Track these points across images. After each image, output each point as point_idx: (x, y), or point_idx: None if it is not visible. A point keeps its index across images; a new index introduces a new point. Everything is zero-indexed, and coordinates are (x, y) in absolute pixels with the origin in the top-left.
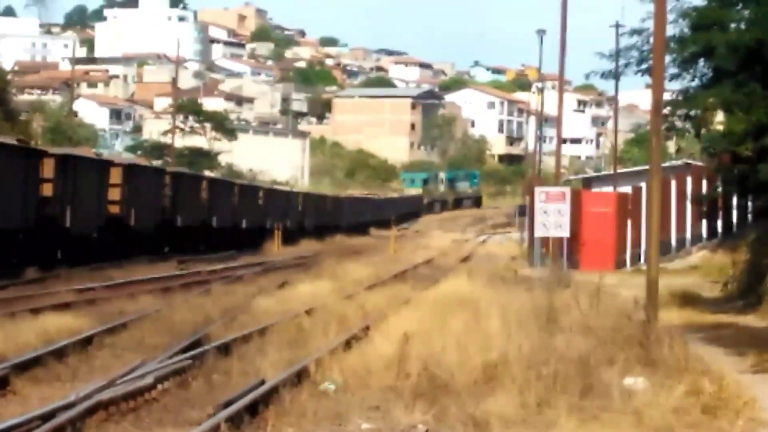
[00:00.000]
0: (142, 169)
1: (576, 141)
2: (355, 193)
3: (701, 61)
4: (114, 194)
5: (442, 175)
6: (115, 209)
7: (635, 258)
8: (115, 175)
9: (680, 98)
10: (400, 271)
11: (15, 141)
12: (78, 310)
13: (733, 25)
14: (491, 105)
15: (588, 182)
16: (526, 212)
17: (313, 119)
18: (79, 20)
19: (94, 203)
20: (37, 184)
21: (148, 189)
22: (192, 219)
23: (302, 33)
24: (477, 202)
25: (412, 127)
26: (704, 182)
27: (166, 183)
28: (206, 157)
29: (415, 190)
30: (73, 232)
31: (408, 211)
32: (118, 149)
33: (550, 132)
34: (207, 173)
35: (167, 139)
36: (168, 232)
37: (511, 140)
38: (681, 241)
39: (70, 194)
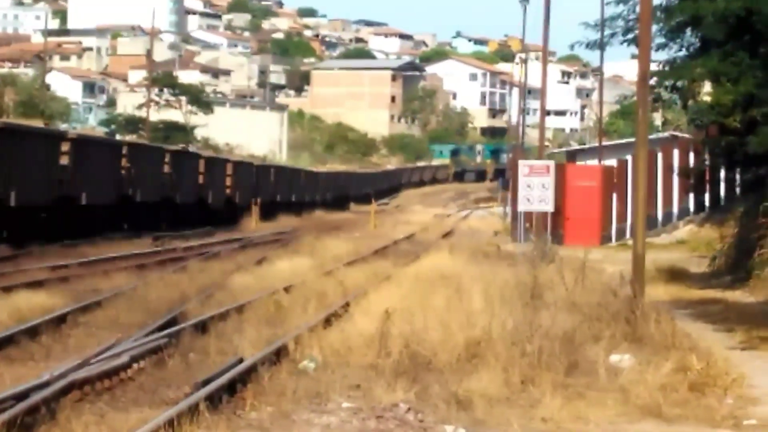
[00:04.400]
0: (244, 164)
1: (560, 113)
2: (358, 169)
3: (688, 31)
4: (228, 182)
5: (480, 146)
6: (228, 191)
7: (621, 233)
8: (229, 169)
9: (667, 69)
10: (381, 247)
11: (181, 148)
12: (51, 288)
13: None
14: (473, 76)
15: (572, 155)
16: (509, 186)
17: (291, 92)
18: None
19: (220, 188)
20: (197, 176)
21: (246, 177)
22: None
23: (280, 3)
24: None
25: (393, 99)
26: (691, 155)
27: (253, 172)
28: (182, 131)
29: (441, 161)
30: (211, 207)
31: (409, 180)
32: (91, 123)
33: (533, 104)
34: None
35: (142, 113)
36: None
37: (494, 112)
38: (668, 216)
39: (210, 182)
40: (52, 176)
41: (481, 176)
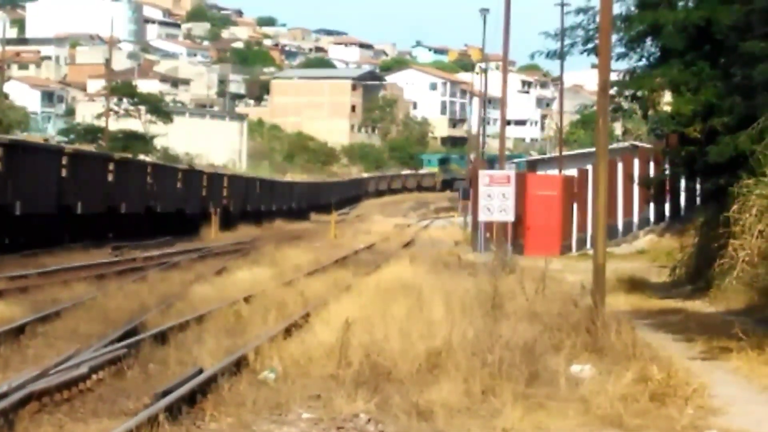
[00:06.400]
0: (236, 177)
1: (520, 123)
2: (327, 178)
3: (648, 40)
4: (224, 192)
5: (472, 155)
6: (225, 201)
7: (581, 243)
8: (225, 183)
9: (627, 78)
10: (341, 256)
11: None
12: (10, 298)
13: (680, 3)
14: (433, 86)
15: (533, 165)
16: (469, 196)
17: (251, 101)
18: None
19: (218, 200)
20: (201, 190)
21: (239, 189)
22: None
23: (239, 12)
24: None
25: (353, 109)
26: (652, 164)
27: (243, 185)
28: (141, 140)
29: (430, 170)
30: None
31: (376, 189)
32: (50, 132)
33: (493, 113)
34: (142, 157)
35: (101, 123)
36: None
37: (454, 122)
38: (628, 225)
39: (211, 194)
40: (104, 190)
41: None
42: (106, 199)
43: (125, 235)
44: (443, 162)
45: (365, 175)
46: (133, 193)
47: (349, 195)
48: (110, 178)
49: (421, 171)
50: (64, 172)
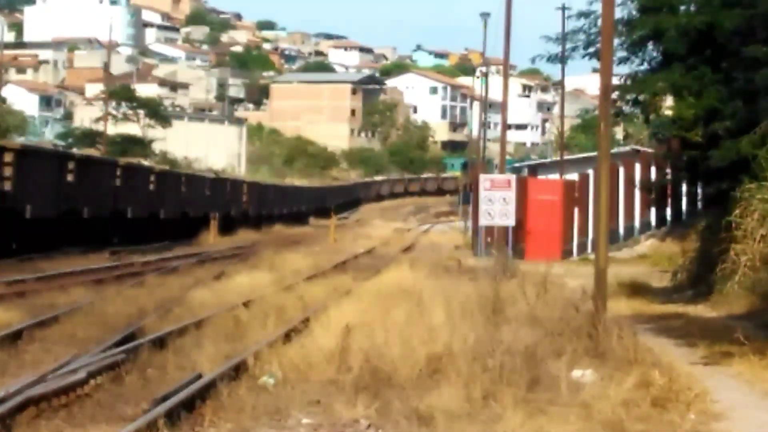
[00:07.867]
0: (254, 183)
1: (521, 127)
2: (331, 183)
3: (650, 45)
4: (244, 198)
5: (496, 161)
6: (246, 206)
7: (582, 247)
8: (245, 189)
9: (629, 82)
10: (341, 261)
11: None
12: (7, 303)
13: (682, 8)
14: (434, 90)
15: (534, 169)
16: (470, 200)
17: (250, 105)
18: (7, 3)
19: (238, 204)
20: (225, 195)
21: (256, 194)
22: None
23: (238, 16)
24: None
25: (353, 113)
26: (653, 169)
27: (260, 190)
28: (140, 144)
29: (452, 174)
30: (234, 219)
31: (391, 192)
32: (48, 137)
33: (494, 118)
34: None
35: (99, 127)
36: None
37: (455, 126)
38: (629, 230)
39: (232, 199)
40: (147, 198)
41: None
42: (148, 205)
43: (164, 236)
44: (466, 167)
45: (378, 178)
46: (170, 200)
47: (357, 198)
48: (151, 187)
49: (444, 175)
50: (117, 182)
